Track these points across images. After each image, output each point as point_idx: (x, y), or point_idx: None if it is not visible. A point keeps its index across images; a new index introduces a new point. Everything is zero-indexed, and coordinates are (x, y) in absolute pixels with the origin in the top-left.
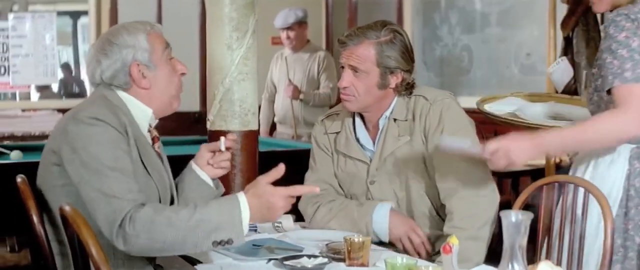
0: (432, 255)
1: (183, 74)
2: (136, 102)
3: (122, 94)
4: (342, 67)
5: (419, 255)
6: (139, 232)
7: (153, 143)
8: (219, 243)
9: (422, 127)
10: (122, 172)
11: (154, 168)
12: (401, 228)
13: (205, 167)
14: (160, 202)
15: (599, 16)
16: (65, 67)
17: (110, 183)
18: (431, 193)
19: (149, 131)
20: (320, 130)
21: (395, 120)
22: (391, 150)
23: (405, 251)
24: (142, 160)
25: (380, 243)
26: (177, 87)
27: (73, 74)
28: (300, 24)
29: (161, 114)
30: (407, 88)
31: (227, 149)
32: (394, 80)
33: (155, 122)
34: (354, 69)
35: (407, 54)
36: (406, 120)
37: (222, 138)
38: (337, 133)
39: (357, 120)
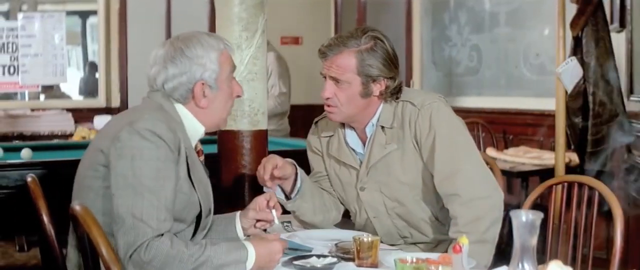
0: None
1: (238, 96)
2: (191, 118)
3: (178, 107)
4: (324, 78)
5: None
6: (151, 260)
7: (198, 156)
8: None
9: (413, 133)
10: (157, 196)
11: (200, 182)
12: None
13: (249, 229)
14: (201, 215)
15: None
16: (75, 66)
17: (142, 205)
18: (428, 199)
19: (195, 145)
20: (313, 134)
21: (382, 127)
22: (378, 158)
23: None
24: (190, 176)
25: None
26: (229, 110)
27: (82, 74)
28: None
29: (208, 130)
30: (393, 94)
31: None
32: (377, 89)
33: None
34: (336, 80)
35: (390, 61)
36: (392, 128)
37: (274, 211)
38: (330, 137)
39: (347, 125)
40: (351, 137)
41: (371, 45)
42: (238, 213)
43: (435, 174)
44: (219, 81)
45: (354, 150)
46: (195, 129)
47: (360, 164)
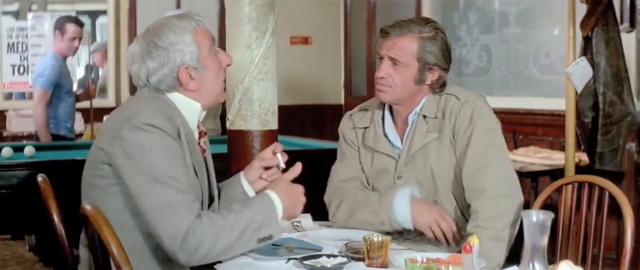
0: (459, 241)
1: (228, 65)
2: (185, 100)
3: (170, 95)
4: (381, 58)
5: (447, 242)
6: (199, 244)
7: (199, 137)
8: (262, 239)
9: (452, 126)
10: (179, 181)
11: (200, 168)
12: (427, 216)
13: (255, 182)
14: (202, 202)
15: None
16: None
17: (170, 193)
18: (457, 193)
19: (197, 126)
20: (347, 125)
21: (424, 117)
22: (419, 146)
23: (434, 238)
24: (192, 162)
25: (402, 231)
26: (222, 82)
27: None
28: None
29: (208, 107)
30: (441, 86)
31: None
32: (430, 77)
33: (203, 116)
34: (394, 61)
35: (447, 53)
36: (435, 118)
37: (279, 155)
38: (366, 128)
39: (387, 115)
40: (390, 129)
41: (433, 34)
42: (241, 173)
43: (465, 167)
44: (201, 60)
45: (391, 142)
46: (191, 108)
47: (399, 155)
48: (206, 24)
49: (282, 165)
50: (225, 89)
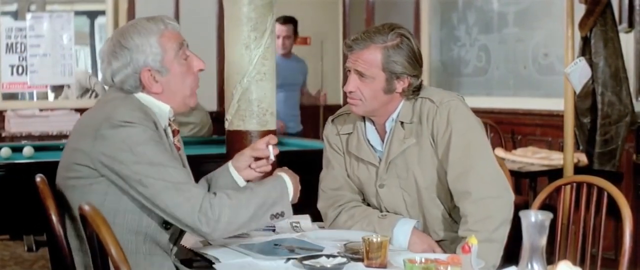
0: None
1: (200, 70)
2: (154, 101)
3: (138, 95)
4: (349, 71)
5: None
6: (219, 216)
7: (173, 136)
8: (275, 215)
9: (430, 130)
10: (174, 164)
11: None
12: (420, 246)
13: (243, 171)
14: None
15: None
16: (83, 67)
17: (171, 173)
18: (443, 196)
19: (169, 124)
20: (332, 131)
21: (402, 123)
22: (397, 153)
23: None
24: None
25: None
26: (191, 86)
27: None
28: None
29: (178, 111)
30: (414, 92)
31: (276, 156)
32: (400, 85)
33: (172, 115)
34: (360, 74)
35: (414, 59)
36: (412, 123)
37: (271, 147)
38: (349, 134)
39: (368, 121)
40: (371, 133)
41: (397, 42)
42: (229, 163)
43: (449, 170)
44: (165, 63)
45: (373, 147)
46: (160, 108)
47: (379, 161)
48: (177, 28)
49: (272, 158)
50: (197, 93)
